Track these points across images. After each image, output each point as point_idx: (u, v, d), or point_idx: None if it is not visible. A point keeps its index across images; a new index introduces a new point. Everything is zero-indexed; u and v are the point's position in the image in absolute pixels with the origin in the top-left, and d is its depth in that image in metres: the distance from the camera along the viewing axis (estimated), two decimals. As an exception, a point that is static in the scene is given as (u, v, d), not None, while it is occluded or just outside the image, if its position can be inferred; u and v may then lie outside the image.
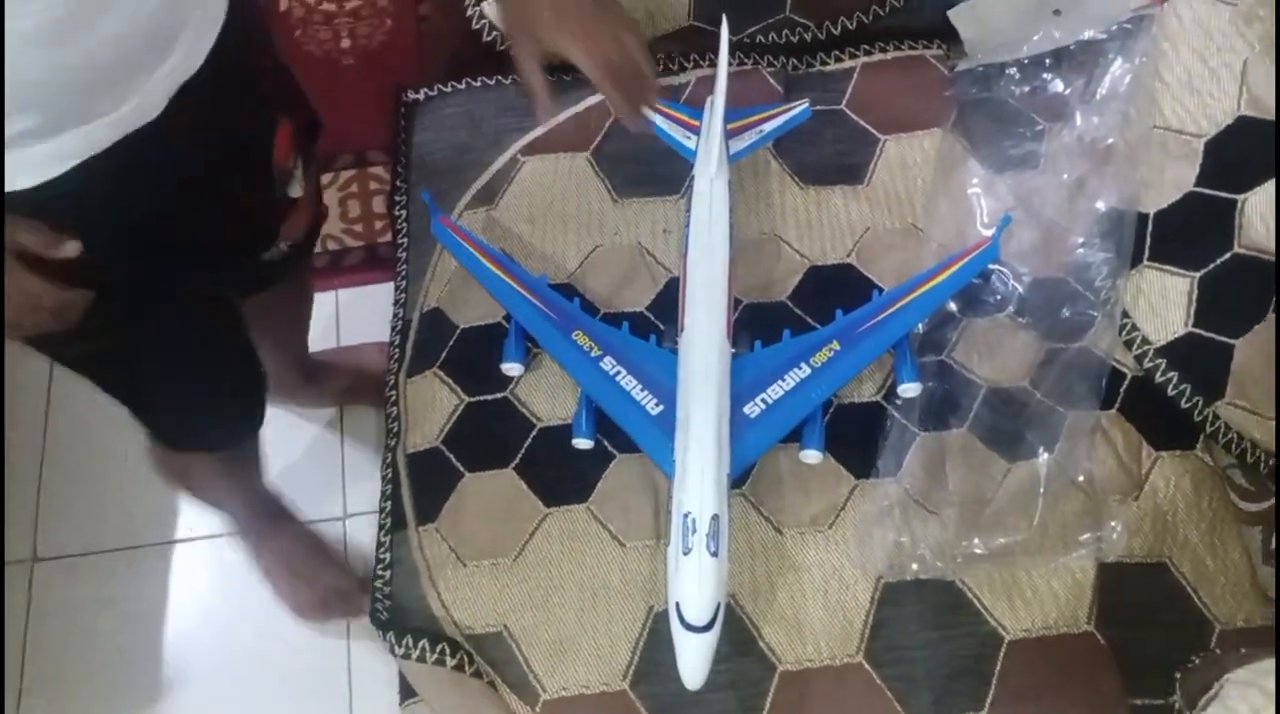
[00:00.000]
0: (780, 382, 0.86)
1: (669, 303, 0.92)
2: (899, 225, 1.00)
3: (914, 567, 0.82)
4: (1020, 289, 0.95)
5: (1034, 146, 1.05)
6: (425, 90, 1.11)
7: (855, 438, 0.88)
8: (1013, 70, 1.09)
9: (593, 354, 0.88)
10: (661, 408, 0.84)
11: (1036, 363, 0.91)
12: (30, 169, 0.74)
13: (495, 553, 0.84)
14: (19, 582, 1.35)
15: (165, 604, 1.34)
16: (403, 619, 0.83)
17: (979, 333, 0.93)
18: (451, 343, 0.94)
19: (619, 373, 0.87)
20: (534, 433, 0.89)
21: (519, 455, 0.88)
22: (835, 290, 0.94)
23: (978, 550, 0.81)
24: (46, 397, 1.48)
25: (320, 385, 1.43)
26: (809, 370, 0.87)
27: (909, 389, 0.88)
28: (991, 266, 0.95)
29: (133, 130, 0.76)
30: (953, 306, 0.94)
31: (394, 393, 0.96)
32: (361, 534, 1.39)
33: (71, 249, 0.77)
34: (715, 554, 0.73)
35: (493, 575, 0.83)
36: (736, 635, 0.80)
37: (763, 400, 0.85)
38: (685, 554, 0.73)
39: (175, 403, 1.03)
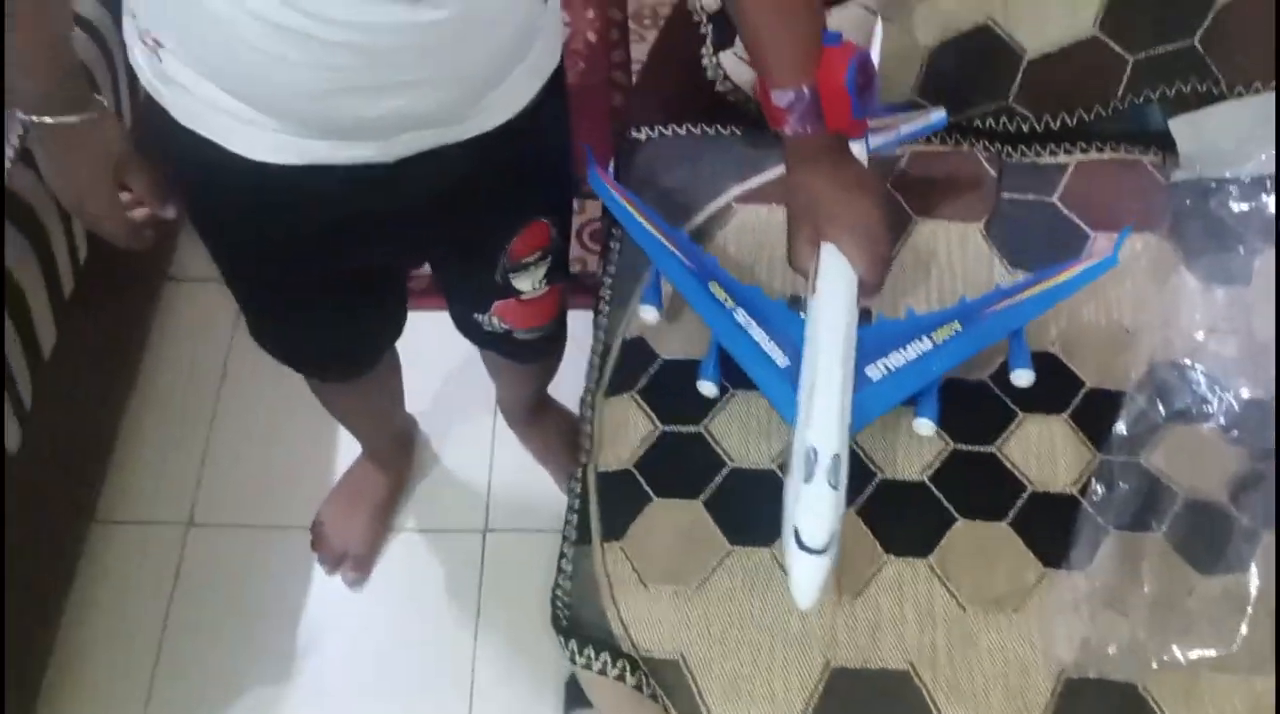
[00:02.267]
0: (902, 350, 0.91)
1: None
2: (1104, 322, 1.00)
3: (1100, 665, 0.81)
4: (1233, 404, 0.93)
5: (1247, 263, 1.04)
6: (647, 130, 1.15)
7: (1046, 522, 0.87)
8: (1232, 187, 1.09)
9: (727, 306, 0.94)
10: (789, 363, 0.89)
11: (1241, 479, 0.90)
12: (263, 147, 0.80)
13: (678, 579, 0.85)
14: (174, 542, 1.41)
15: (307, 587, 1.38)
16: (581, 630, 0.85)
17: (1182, 440, 0.92)
18: (652, 371, 0.97)
19: (750, 325, 0.93)
20: (725, 471, 0.91)
21: (708, 490, 0.90)
22: (1035, 384, 0.94)
23: (1172, 658, 0.80)
24: (223, 368, 1.55)
25: (538, 425, 1.49)
26: (930, 344, 0.92)
27: (1022, 376, 0.91)
28: (1203, 376, 0.94)
29: (371, 162, 0.81)
30: (1160, 409, 0.93)
31: (590, 411, 0.98)
32: (498, 550, 1.41)
33: (170, 212, 0.88)
34: (835, 487, 0.78)
35: (674, 602, 0.84)
36: (913, 707, 0.80)
37: (884, 365, 0.90)
38: (806, 482, 0.78)
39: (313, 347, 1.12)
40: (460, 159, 0.84)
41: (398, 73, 0.74)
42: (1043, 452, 0.92)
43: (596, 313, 1.07)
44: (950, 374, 0.92)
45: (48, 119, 0.81)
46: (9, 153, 1.13)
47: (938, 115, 1.06)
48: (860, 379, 0.88)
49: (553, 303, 1.07)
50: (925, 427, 0.90)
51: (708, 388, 0.94)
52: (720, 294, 0.94)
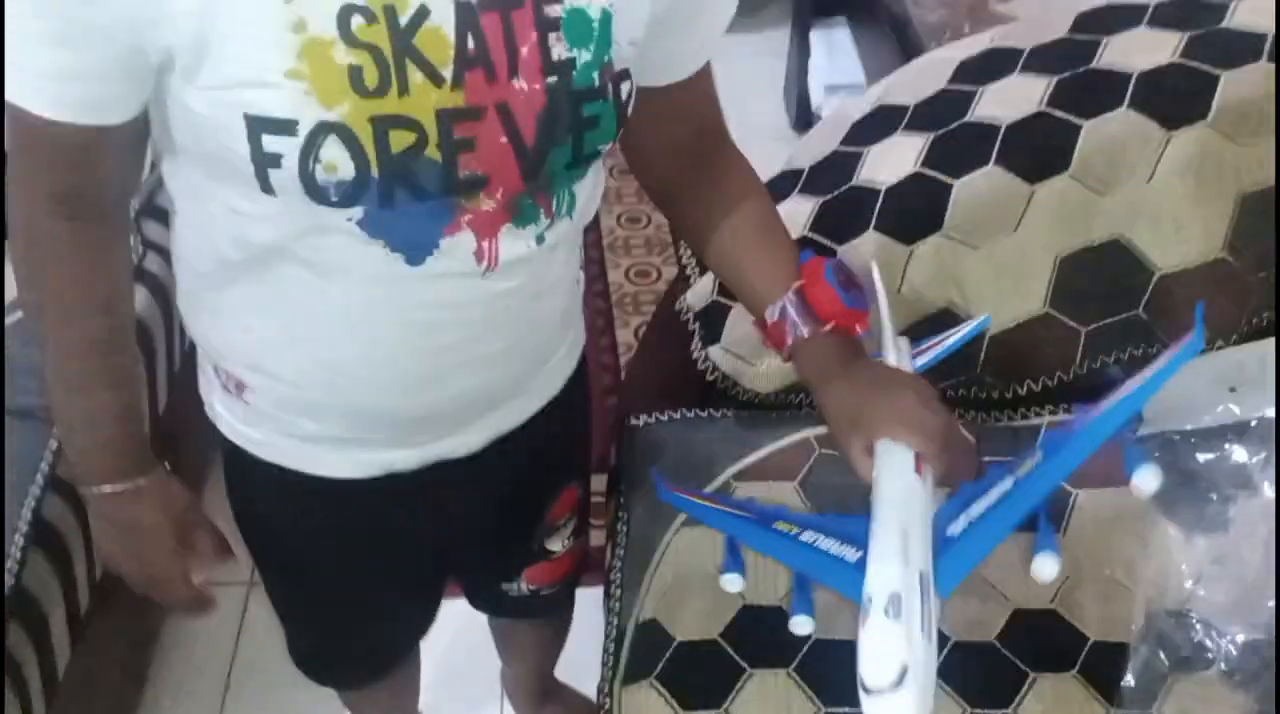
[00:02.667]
0: (983, 497, 0.86)
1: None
2: (1099, 577, 1.04)
3: None
4: (1231, 649, 0.96)
5: (1222, 510, 1.10)
6: (644, 416, 1.23)
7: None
8: (1194, 439, 1.16)
9: (793, 533, 0.97)
10: (861, 553, 0.82)
11: (1251, 727, 0.91)
12: (335, 460, 0.90)
13: None
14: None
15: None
16: None
17: (1189, 689, 0.94)
18: (668, 655, 0.99)
19: (818, 540, 0.94)
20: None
21: (735, 775, 0.90)
22: (1041, 642, 0.97)
23: None
24: (226, 680, 1.57)
25: (549, 707, 1.48)
26: (1012, 482, 0.86)
27: (1146, 478, 0.93)
28: (1199, 623, 0.97)
29: (442, 460, 0.91)
30: (1163, 658, 0.95)
31: (609, 700, 0.99)
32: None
33: (227, 561, 0.93)
34: (895, 618, 0.71)
35: None
36: None
37: (965, 517, 0.85)
38: (862, 627, 0.73)
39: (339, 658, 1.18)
40: (520, 439, 0.94)
41: (479, 345, 0.83)
42: (1059, 711, 0.93)
43: (607, 596, 1.10)
44: (960, 638, 0.94)
45: (106, 488, 0.84)
46: (39, 480, 1.20)
47: (980, 319, 1.08)
48: (942, 542, 0.82)
49: (576, 555, 1.15)
50: (1049, 565, 0.98)
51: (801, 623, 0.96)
52: (786, 527, 0.98)
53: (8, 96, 0.68)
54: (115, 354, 0.82)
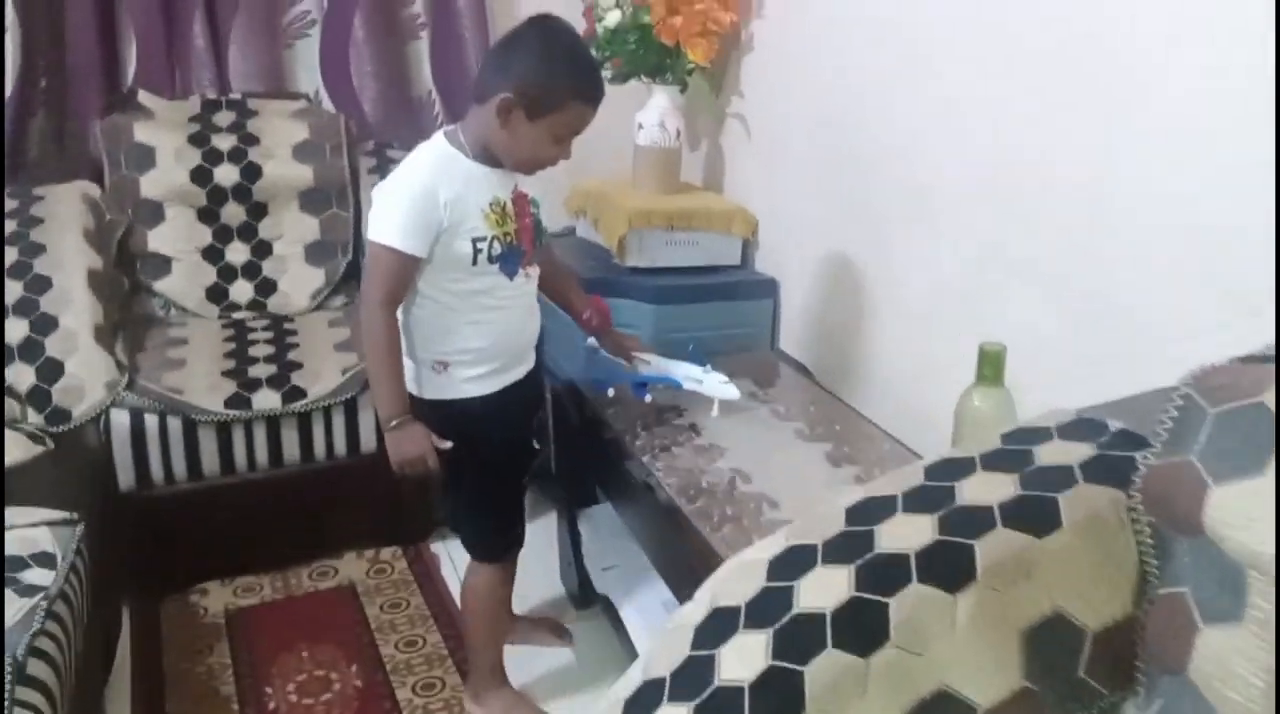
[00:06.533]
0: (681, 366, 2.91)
1: None
2: None
3: None
4: None
5: None
6: None
7: None
8: None
9: (650, 376, 2.94)
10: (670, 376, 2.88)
11: None
12: (485, 384, 2.45)
13: None
14: None
15: None
16: None
17: None
18: None
19: (659, 377, 2.90)
20: None
21: None
22: None
23: None
24: None
25: (515, 628, 3.02)
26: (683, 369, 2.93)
27: None
28: None
29: (513, 381, 2.51)
30: None
31: None
32: None
33: (445, 444, 2.37)
34: (698, 383, 2.85)
35: None
36: None
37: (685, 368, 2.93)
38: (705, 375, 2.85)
39: (500, 524, 2.66)
40: (529, 376, 2.58)
41: (528, 313, 2.51)
42: None
43: None
44: None
45: (394, 422, 2.31)
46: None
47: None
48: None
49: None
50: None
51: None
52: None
53: (383, 240, 2.24)
54: (397, 361, 2.33)
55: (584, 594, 3.14)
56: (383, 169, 3.72)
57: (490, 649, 2.72)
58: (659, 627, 2.30)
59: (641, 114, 3.52)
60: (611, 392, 2.94)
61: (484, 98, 2.21)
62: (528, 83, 2.16)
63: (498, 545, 2.63)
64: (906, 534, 1.59)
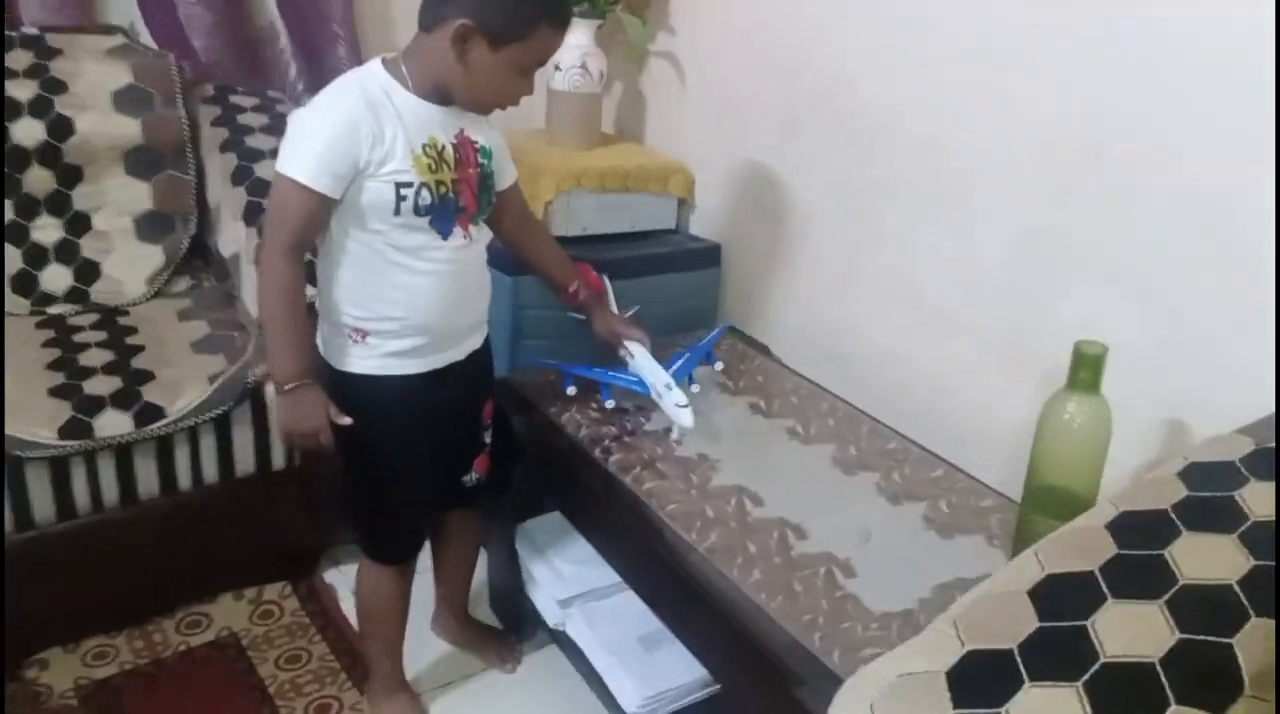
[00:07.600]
0: (671, 366, 2.49)
1: None
2: None
3: None
4: None
5: None
6: None
7: None
8: None
9: (611, 374, 2.52)
10: (638, 380, 2.42)
11: None
12: (411, 365, 2.04)
13: None
14: None
15: None
16: None
17: None
18: None
19: (618, 378, 2.48)
20: None
21: None
22: None
23: None
24: None
25: (465, 631, 2.68)
26: (677, 361, 2.60)
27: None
28: None
29: (447, 364, 2.10)
30: None
31: None
32: None
33: (345, 420, 2.00)
34: (669, 389, 2.32)
35: None
36: None
37: (670, 366, 2.46)
38: (668, 391, 2.32)
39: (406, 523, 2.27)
40: (472, 358, 2.16)
41: (468, 283, 2.07)
42: None
43: None
44: None
45: (290, 385, 1.94)
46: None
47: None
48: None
49: (494, 449, 2.32)
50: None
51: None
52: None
53: (290, 173, 1.83)
54: (301, 317, 1.96)
55: (527, 626, 2.66)
56: (229, 120, 3.06)
57: (386, 657, 2.39)
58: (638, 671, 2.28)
59: (559, 53, 2.96)
60: (572, 390, 2.44)
61: (433, 24, 1.86)
62: (490, 5, 1.81)
63: (386, 548, 2.25)
64: (1135, 633, 1.20)
